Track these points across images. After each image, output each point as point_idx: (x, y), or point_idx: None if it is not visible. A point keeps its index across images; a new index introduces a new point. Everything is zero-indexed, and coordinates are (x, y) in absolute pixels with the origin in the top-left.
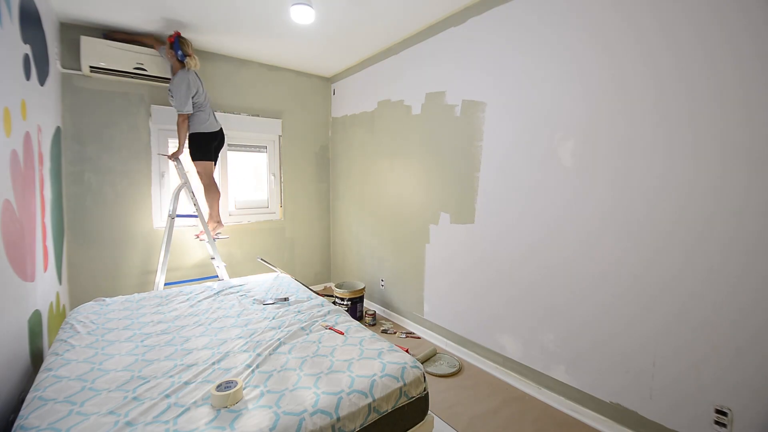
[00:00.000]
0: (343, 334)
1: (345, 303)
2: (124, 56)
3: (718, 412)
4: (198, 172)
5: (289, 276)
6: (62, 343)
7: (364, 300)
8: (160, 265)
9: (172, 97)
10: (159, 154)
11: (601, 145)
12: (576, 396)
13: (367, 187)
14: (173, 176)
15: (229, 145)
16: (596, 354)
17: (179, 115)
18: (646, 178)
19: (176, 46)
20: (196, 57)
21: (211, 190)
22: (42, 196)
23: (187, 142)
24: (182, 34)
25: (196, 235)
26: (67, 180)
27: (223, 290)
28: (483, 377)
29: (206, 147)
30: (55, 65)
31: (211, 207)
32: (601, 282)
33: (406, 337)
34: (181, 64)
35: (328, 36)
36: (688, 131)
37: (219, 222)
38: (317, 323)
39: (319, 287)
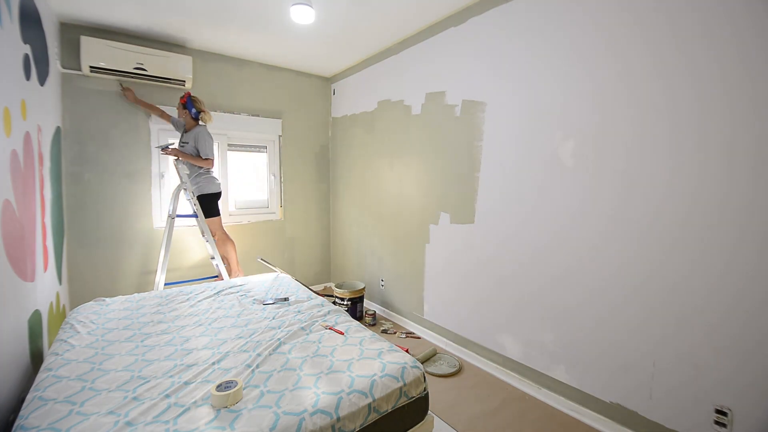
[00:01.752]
0: (343, 334)
1: (345, 303)
2: (124, 56)
3: (718, 412)
4: (211, 230)
5: (289, 276)
6: (62, 343)
7: (364, 300)
8: (160, 265)
9: (183, 145)
10: (157, 147)
11: (602, 146)
12: (576, 396)
13: (367, 187)
14: (173, 176)
15: (229, 145)
16: (596, 354)
17: (206, 159)
18: (648, 179)
19: (189, 104)
20: (209, 112)
21: (227, 242)
22: (42, 196)
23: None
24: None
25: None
26: (67, 180)
27: (223, 290)
28: (483, 377)
29: (216, 204)
30: (55, 65)
31: (230, 260)
32: (601, 282)
33: (406, 337)
34: (196, 121)
35: (328, 36)
36: (695, 132)
37: (239, 270)
38: (317, 323)
39: (319, 287)
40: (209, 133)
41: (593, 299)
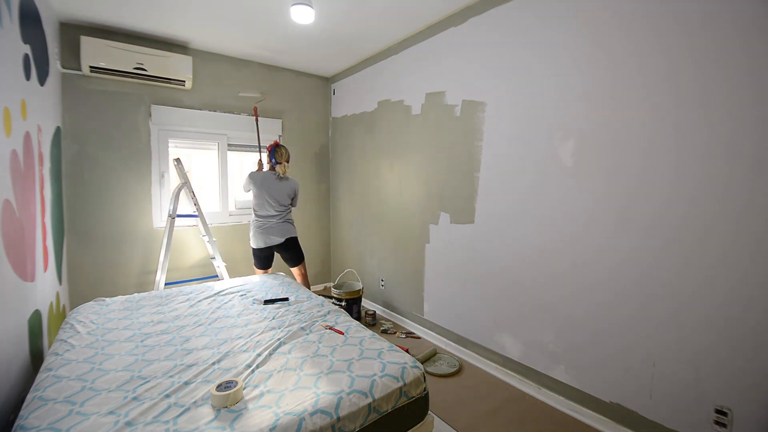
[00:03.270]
0: (343, 334)
1: (341, 304)
2: (124, 56)
3: (718, 412)
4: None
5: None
6: (62, 343)
7: (362, 300)
8: (160, 265)
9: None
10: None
11: (601, 145)
12: (576, 396)
13: (367, 187)
14: (173, 176)
15: (229, 145)
16: (596, 354)
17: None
18: (649, 179)
19: (271, 154)
20: (285, 165)
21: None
22: (42, 196)
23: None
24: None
25: None
26: (67, 180)
27: (223, 290)
28: (483, 377)
29: (256, 258)
30: (55, 65)
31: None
32: (601, 281)
33: (406, 337)
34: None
35: (328, 36)
36: (698, 131)
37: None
38: (317, 323)
39: (319, 287)
40: (259, 178)
41: (594, 299)
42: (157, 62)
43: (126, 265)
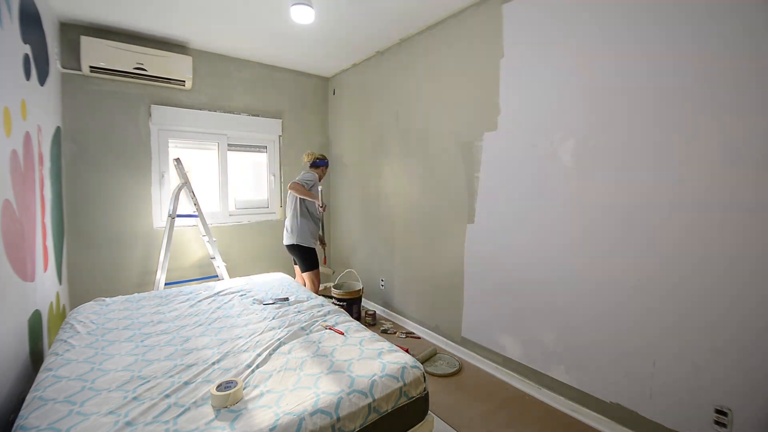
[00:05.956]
0: (343, 334)
1: (340, 303)
2: (124, 56)
3: (718, 412)
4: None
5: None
6: (62, 343)
7: (362, 300)
8: (160, 265)
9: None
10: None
11: (601, 145)
12: (576, 396)
13: (366, 188)
14: (173, 176)
15: (229, 145)
16: (596, 354)
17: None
18: (648, 179)
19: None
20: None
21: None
22: (42, 196)
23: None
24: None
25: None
26: (67, 180)
27: (223, 290)
28: (483, 377)
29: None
30: (55, 65)
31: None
32: (601, 281)
33: (406, 337)
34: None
35: (328, 36)
36: (683, 133)
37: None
38: (317, 323)
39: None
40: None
41: (594, 299)
42: (157, 62)
43: (126, 265)
